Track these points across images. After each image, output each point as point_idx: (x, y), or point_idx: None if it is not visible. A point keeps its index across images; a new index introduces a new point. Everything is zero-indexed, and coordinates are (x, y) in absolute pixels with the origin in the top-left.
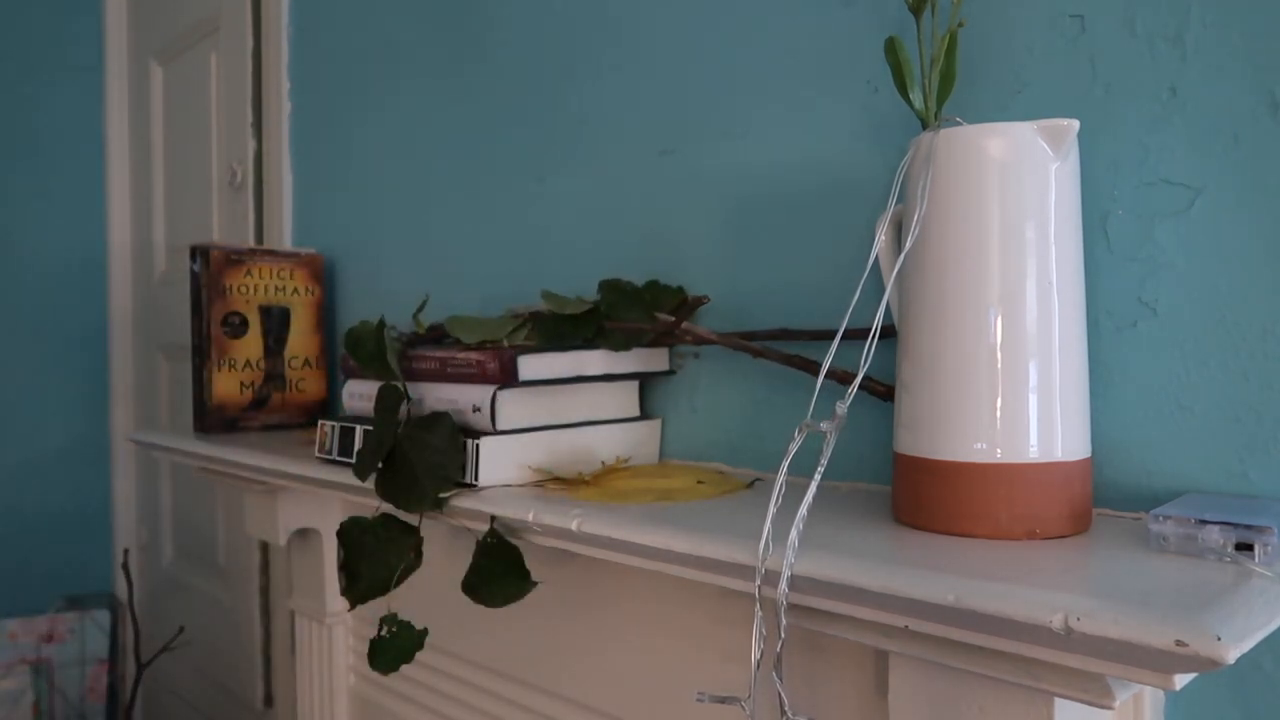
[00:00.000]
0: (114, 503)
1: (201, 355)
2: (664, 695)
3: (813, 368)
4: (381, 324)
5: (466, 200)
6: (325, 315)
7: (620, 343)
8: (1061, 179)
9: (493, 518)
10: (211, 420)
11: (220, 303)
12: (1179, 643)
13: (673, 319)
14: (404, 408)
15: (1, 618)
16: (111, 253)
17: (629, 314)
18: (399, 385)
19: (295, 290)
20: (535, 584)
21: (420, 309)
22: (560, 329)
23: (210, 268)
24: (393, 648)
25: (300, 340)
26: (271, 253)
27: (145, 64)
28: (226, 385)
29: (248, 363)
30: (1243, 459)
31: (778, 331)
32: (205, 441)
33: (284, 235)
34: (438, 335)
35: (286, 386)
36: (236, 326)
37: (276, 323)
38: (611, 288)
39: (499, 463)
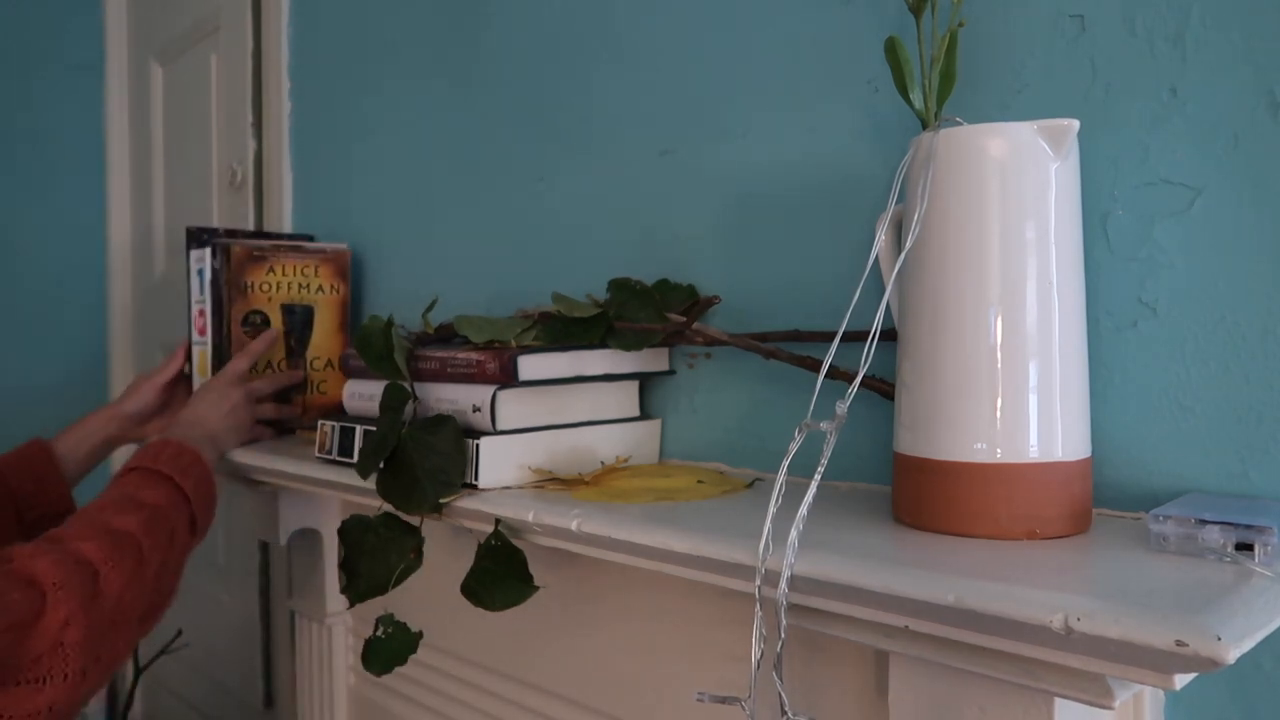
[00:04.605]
0: None
1: (220, 356)
2: (664, 695)
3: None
4: (390, 323)
5: (468, 199)
6: (349, 314)
7: (632, 343)
8: (1061, 179)
9: (497, 520)
10: None
11: (241, 301)
12: (1179, 643)
13: (684, 319)
14: (410, 408)
15: None
16: (111, 252)
17: (640, 313)
18: (405, 385)
19: (320, 288)
20: (536, 589)
21: (430, 309)
22: (569, 331)
23: (231, 264)
24: (387, 649)
25: (323, 340)
26: (296, 248)
27: (145, 64)
28: None
29: (269, 365)
30: (1243, 459)
31: (790, 333)
32: None
33: None
34: (447, 335)
35: (308, 389)
36: (258, 326)
37: (300, 322)
38: (621, 286)
39: (499, 463)
